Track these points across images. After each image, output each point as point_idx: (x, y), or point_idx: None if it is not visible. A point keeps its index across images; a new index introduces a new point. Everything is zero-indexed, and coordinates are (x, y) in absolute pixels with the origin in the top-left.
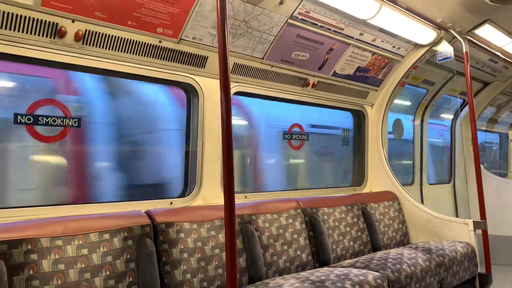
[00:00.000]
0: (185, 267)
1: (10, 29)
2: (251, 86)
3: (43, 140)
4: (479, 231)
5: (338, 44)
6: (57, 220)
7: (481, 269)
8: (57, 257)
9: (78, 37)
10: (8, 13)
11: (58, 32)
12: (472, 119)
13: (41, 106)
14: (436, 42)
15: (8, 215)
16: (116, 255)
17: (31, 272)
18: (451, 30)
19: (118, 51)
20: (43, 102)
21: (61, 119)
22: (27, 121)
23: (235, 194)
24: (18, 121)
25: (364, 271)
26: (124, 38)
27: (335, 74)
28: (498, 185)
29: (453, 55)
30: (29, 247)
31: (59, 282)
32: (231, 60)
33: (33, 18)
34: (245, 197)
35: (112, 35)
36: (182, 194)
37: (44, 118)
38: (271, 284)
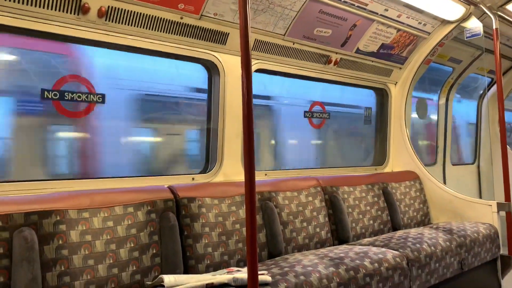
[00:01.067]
0: (206, 241)
1: (35, 5)
2: (272, 63)
3: None
4: (503, 213)
5: (361, 20)
6: (84, 193)
7: (504, 251)
8: (84, 228)
9: (101, 14)
10: None
11: (81, 9)
12: (500, 99)
13: None
14: (464, 18)
15: (38, 187)
16: (140, 228)
17: (60, 242)
18: (481, 5)
19: (140, 27)
20: None
21: None
22: None
23: (256, 172)
24: None
25: (383, 249)
26: (146, 15)
27: (358, 51)
28: None
29: (482, 32)
30: (58, 218)
31: (87, 252)
32: (252, 37)
33: None
34: (265, 174)
35: (134, 11)
36: (204, 170)
37: None
38: (290, 259)
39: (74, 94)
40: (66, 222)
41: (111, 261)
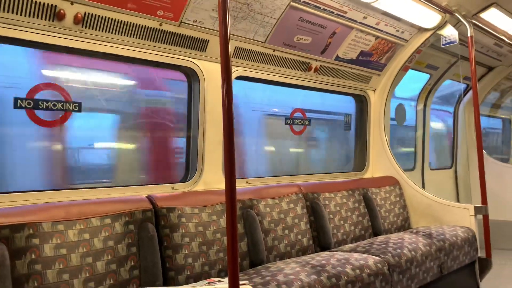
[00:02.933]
0: (186, 251)
1: (8, 12)
2: (253, 70)
3: None
4: (480, 216)
5: (341, 28)
6: (59, 205)
7: (481, 254)
8: (59, 241)
9: (77, 20)
10: None
11: (57, 15)
12: (476, 104)
13: None
14: (440, 26)
15: (10, 199)
16: (118, 240)
17: (33, 256)
18: (456, 14)
19: (118, 34)
20: None
21: None
22: None
23: (237, 179)
24: None
25: (364, 255)
26: (124, 21)
27: (337, 58)
28: (500, 170)
29: (457, 39)
30: (31, 231)
31: (61, 266)
32: (232, 44)
33: (32, 0)
34: (247, 182)
35: (112, 18)
36: (184, 179)
37: None
38: (272, 268)
39: None
40: (40, 236)
41: (87, 275)
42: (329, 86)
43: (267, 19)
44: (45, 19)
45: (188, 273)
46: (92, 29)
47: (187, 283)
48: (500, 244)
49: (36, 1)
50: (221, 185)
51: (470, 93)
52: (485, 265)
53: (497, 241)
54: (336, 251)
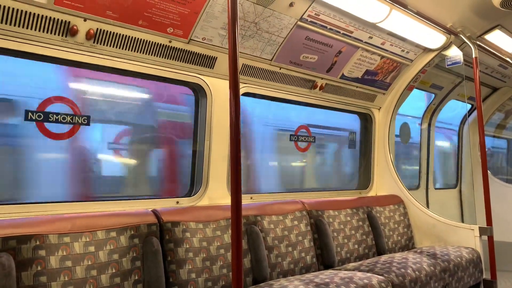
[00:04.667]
0: (190, 267)
1: (23, 27)
2: (259, 87)
3: None
4: (485, 237)
5: (346, 47)
6: (65, 217)
7: (486, 275)
8: (64, 253)
9: (89, 36)
10: (22, 11)
11: (70, 31)
12: (480, 124)
13: None
14: (445, 47)
15: (18, 210)
16: (123, 253)
17: (39, 268)
18: (461, 35)
19: (128, 50)
20: None
21: None
22: None
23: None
24: None
25: (368, 274)
26: (135, 38)
27: (343, 76)
28: (505, 191)
29: (462, 60)
30: (38, 243)
31: (66, 279)
32: (240, 61)
33: (46, 16)
34: (251, 198)
35: (123, 34)
36: (189, 194)
37: None
38: (275, 286)
39: None
40: (46, 247)
41: None
42: (334, 104)
43: (274, 38)
44: (59, 35)
45: None
46: (104, 44)
47: None
48: (505, 266)
49: (50, 17)
50: (225, 200)
51: (475, 113)
52: (490, 287)
53: (502, 263)
54: (339, 269)
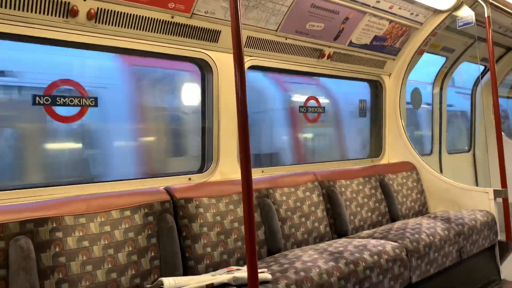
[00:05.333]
0: (205, 241)
1: (23, 10)
2: (266, 59)
3: None
4: (500, 200)
5: (353, 13)
6: (80, 199)
7: (501, 237)
8: (81, 234)
9: (90, 16)
10: None
11: (70, 11)
12: (494, 86)
13: None
14: (456, 7)
15: (34, 194)
16: (138, 231)
17: (57, 249)
18: None
19: (130, 28)
20: None
21: None
22: None
23: (252, 169)
24: None
25: (382, 241)
26: (136, 15)
27: (351, 44)
28: None
29: (474, 20)
30: (54, 225)
31: (85, 258)
32: (244, 33)
33: None
34: (262, 171)
35: (124, 12)
36: (200, 170)
37: None
38: (290, 256)
39: None
40: (63, 229)
41: (110, 266)
42: (343, 73)
43: (278, 7)
44: (59, 16)
45: (207, 262)
46: (105, 24)
47: (206, 272)
48: None
49: None
50: (237, 175)
51: (488, 74)
52: (505, 248)
53: None
54: (353, 237)
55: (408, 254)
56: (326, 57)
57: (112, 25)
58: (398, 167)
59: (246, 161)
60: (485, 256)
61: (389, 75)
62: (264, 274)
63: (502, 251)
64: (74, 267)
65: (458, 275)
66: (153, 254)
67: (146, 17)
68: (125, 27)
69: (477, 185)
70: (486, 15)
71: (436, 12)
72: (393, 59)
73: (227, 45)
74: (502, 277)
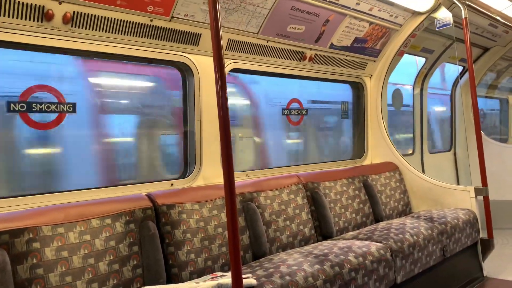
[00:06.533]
0: (188, 248)
1: None
2: (247, 62)
3: None
4: (481, 197)
5: (334, 15)
6: (57, 207)
7: (483, 235)
8: (59, 244)
9: (66, 20)
10: None
11: (45, 15)
12: (472, 86)
13: None
14: (434, 9)
15: (9, 204)
16: (119, 239)
17: (34, 261)
18: None
19: (108, 32)
20: None
21: None
22: None
23: (236, 173)
24: None
25: (367, 242)
26: (114, 19)
27: (332, 46)
28: (499, 151)
29: (452, 22)
30: (31, 235)
31: (64, 269)
32: (225, 36)
33: (19, 1)
34: (246, 175)
35: (102, 16)
36: (183, 175)
37: None
38: (275, 260)
39: None
40: (40, 240)
41: (90, 276)
42: (324, 75)
43: (259, 10)
44: (34, 20)
45: (191, 269)
46: (82, 28)
47: (190, 279)
48: (501, 224)
49: (23, 2)
50: (220, 179)
51: (467, 74)
52: (487, 245)
53: (498, 221)
54: (338, 239)
55: (392, 254)
56: (307, 59)
57: (89, 29)
58: (381, 167)
59: (229, 165)
60: (467, 254)
61: (370, 77)
62: (248, 280)
63: (484, 248)
64: (52, 278)
65: (442, 273)
66: (135, 262)
67: (124, 20)
68: (102, 31)
69: (458, 184)
70: (463, 16)
71: (415, 14)
72: (374, 61)
73: (208, 48)
74: (485, 274)
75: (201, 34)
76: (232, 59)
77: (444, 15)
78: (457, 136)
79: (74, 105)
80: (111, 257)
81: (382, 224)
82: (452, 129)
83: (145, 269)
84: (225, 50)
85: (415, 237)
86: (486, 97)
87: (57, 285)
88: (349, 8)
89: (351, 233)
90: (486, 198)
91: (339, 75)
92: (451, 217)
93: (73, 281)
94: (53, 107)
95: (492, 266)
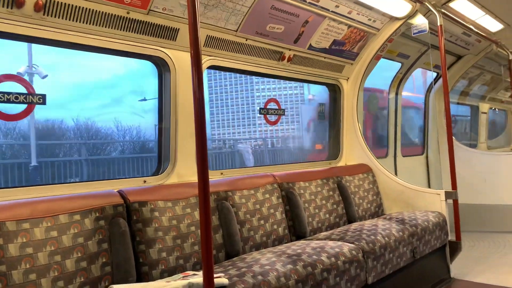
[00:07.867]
0: (160, 246)
1: None
2: (225, 59)
3: None
4: (450, 201)
5: (313, 17)
6: (24, 202)
7: (452, 237)
8: (24, 240)
9: (38, 7)
10: None
11: (16, 2)
12: (445, 92)
13: None
14: (411, 15)
15: None
16: (88, 236)
17: None
18: (426, 3)
19: (83, 22)
20: None
21: None
22: None
23: (211, 171)
24: None
25: (339, 243)
26: (89, 9)
27: (311, 47)
28: (469, 156)
29: (428, 28)
30: None
31: (28, 266)
32: (204, 32)
33: None
34: (221, 173)
35: (76, 6)
36: (156, 172)
37: None
38: (248, 259)
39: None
40: (3, 235)
41: (56, 274)
42: (302, 76)
43: (238, 7)
44: (4, 6)
45: (163, 267)
46: (55, 17)
47: (161, 277)
48: (469, 227)
49: None
50: (195, 177)
51: (440, 81)
52: (455, 248)
53: (466, 224)
54: (311, 239)
55: (364, 255)
56: (286, 59)
57: (62, 18)
58: (355, 169)
59: (203, 163)
60: (436, 255)
61: (347, 79)
62: (220, 279)
63: (452, 251)
64: (16, 276)
65: (411, 274)
66: (104, 260)
67: (99, 11)
68: (76, 21)
69: (429, 187)
70: (438, 24)
71: (393, 19)
72: (351, 64)
73: (186, 44)
74: (452, 275)
75: (179, 29)
76: (210, 55)
77: (420, 21)
78: (429, 140)
79: (44, 96)
80: (79, 254)
81: (354, 225)
82: (425, 133)
83: (114, 267)
84: (203, 46)
85: (386, 238)
86: (458, 103)
87: (20, 283)
88: (328, 10)
89: (324, 233)
90: (455, 202)
91: (316, 76)
92: (421, 220)
93: (38, 278)
94: None
95: (459, 268)
